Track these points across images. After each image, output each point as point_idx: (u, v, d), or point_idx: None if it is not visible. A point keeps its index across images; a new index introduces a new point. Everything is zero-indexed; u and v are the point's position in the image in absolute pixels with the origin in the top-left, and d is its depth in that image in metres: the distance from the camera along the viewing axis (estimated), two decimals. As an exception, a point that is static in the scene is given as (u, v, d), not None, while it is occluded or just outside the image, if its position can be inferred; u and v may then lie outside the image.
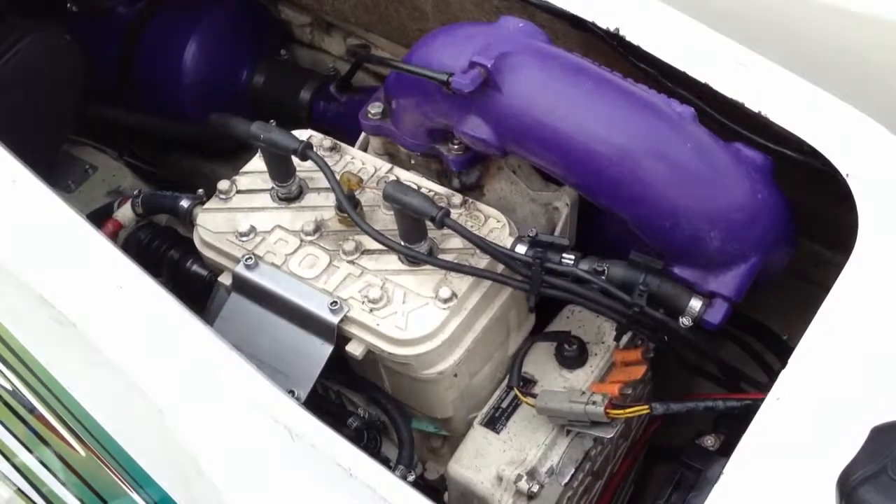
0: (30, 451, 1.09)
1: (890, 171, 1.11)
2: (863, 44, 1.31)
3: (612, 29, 1.23)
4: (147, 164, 1.85)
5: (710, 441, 1.27)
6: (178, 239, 1.51)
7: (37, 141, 1.25)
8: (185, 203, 1.34)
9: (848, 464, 0.83)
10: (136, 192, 1.41)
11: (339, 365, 1.21)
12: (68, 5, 1.79)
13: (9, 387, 1.06)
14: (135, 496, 0.98)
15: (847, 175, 1.08)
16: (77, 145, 1.80)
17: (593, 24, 1.24)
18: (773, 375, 1.32)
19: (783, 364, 0.99)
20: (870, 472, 0.80)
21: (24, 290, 1.01)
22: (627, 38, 1.22)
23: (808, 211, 1.19)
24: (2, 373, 1.05)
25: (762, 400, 0.97)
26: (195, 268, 1.44)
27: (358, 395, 1.27)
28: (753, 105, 1.14)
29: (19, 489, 1.15)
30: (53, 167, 1.68)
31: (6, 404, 1.08)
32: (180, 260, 1.46)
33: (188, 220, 1.33)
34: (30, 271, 1.02)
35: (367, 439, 1.21)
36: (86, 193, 1.73)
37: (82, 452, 1.01)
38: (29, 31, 1.58)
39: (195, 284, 1.41)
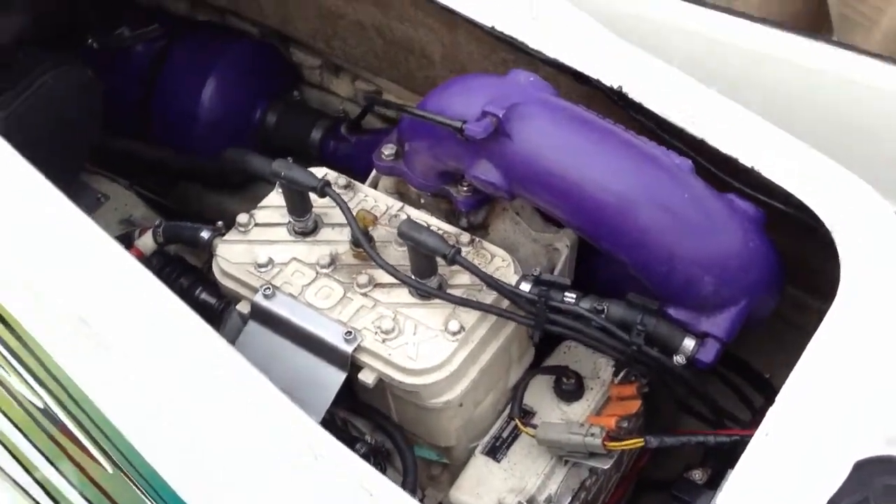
0: (53, 465, 1.13)
1: (871, 224, 1.19)
2: (848, 107, 1.40)
3: (615, 86, 1.31)
4: (157, 195, 1.91)
5: (698, 475, 1.33)
6: (188, 268, 1.57)
7: (56, 171, 1.31)
8: (205, 234, 1.40)
9: (832, 495, 0.89)
10: (157, 223, 1.47)
11: (346, 392, 1.26)
12: (89, 41, 1.86)
13: (41, 405, 1.11)
14: (160, 512, 1.03)
15: (832, 227, 1.16)
16: (90, 174, 1.86)
17: (598, 82, 1.32)
18: (755, 413, 1.40)
19: (766, 402, 1.06)
20: (853, 502, 0.87)
21: (60, 308, 1.06)
22: (629, 95, 1.29)
23: (793, 259, 1.26)
24: (35, 391, 1.10)
25: (751, 436, 1.04)
26: (204, 296, 1.50)
27: (364, 422, 1.32)
28: (746, 160, 1.22)
29: (36, 502, 1.20)
30: (68, 195, 1.73)
31: (35, 421, 1.13)
32: (189, 288, 1.51)
33: (208, 250, 1.39)
34: (65, 290, 1.08)
35: (373, 465, 1.26)
36: (98, 221, 1.76)
37: (109, 469, 1.06)
38: (53, 66, 1.64)
39: (203, 312, 1.46)
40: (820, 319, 1.11)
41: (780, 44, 1.48)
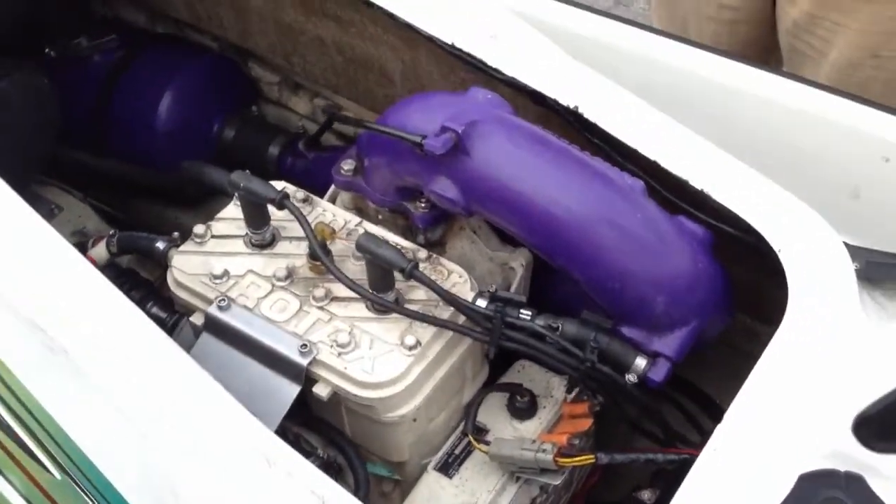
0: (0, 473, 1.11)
1: (818, 250, 1.22)
2: (797, 137, 1.45)
3: (571, 106, 1.33)
4: (111, 208, 1.90)
5: (646, 495, 1.35)
6: (139, 281, 1.56)
7: (7, 178, 1.29)
8: (160, 245, 1.39)
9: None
10: (111, 232, 1.45)
11: (299, 406, 1.26)
12: (46, 50, 1.85)
13: (-12, 410, 1.09)
14: (107, 519, 1.02)
15: (779, 250, 1.19)
16: (43, 185, 1.84)
17: (554, 101, 1.34)
18: (705, 435, 1.42)
19: (715, 424, 1.08)
20: (797, 513, 0.89)
21: (16, 315, 1.05)
22: (585, 116, 1.32)
23: (742, 285, 1.29)
24: (-18, 396, 1.09)
25: (698, 456, 1.06)
26: (155, 310, 1.48)
27: (316, 437, 1.32)
28: (697, 183, 1.25)
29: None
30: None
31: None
32: (141, 301, 1.49)
33: (163, 261, 1.38)
34: (17, 294, 1.07)
35: (325, 479, 1.26)
36: None
37: (57, 475, 1.05)
38: (8, 73, 1.63)
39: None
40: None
41: (733, 73, 1.52)
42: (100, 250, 1.46)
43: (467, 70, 1.46)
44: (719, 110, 1.48)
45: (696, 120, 1.36)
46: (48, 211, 1.79)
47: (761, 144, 1.42)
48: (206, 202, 1.84)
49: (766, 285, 1.25)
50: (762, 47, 2.04)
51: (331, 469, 1.29)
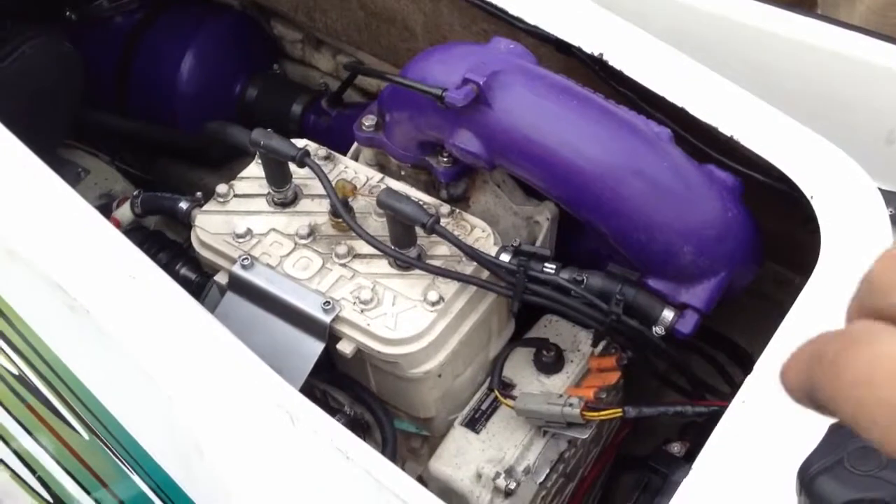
0: (29, 433, 1.13)
1: (851, 195, 1.19)
2: (831, 80, 1.40)
3: (595, 54, 1.30)
4: (137, 170, 1.90)
5: (676, 448, 1.34)
6: (167, 242, 1.57)
7: (35, 144, 1.29)
8: (183, 205, 1.39)
9: (807, 456, 0.90)
10: (135, 193, 1.45)
11: (326, 364, 1.26)
12: (67, 13, 1.84)
13: (15, 371, 1.10)
14: (135, 478, 1.02)
15: (811, 197, 1.16)
16: (70, 149, 1.84)
17: (578, 49, 1.31)
18: (736, 387, 1.40)
19: (746, 374, 1.06)
20: (827, 463, 0.87)
21: (39, 276, 1.05)
22: (610, 63, 1.29)
23: (773, 233, 1.26)
24: (10, 358, 1.10)
25: (727, 407, 1.04)
26: (184, 271, 1.49)
27: (343, 394, 1.32)
28: (726, 129, 1.22)
29: (14, 473, 1.19)
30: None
31: (11, 389, 1.12)
32: (169, 263, 1.51)
33: (186, 221, 1.38)
34: (45, 258, 1.07)
35: (352, 436, 1.26)
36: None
37: (85, 436, 1.06)
38: (30, 37, 1.63)
39: (183, 286, 1.45)
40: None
41: (764, 16, 1.48)
42: (124, 211, 1.46)
43: (489, 20, 1.44)
44: (750, 55, 1.44)
45: (725, 65, 1.32)
46: (75, 174, 1.80)
47: (793, 89, 1.38)
48: (230, 162, 1.84)
49: (798, 232, 1.22)
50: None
51: (358, 426, 1.29)
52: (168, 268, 1.50)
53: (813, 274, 1.11)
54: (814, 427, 0.95)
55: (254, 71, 1.85)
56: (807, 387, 0.36)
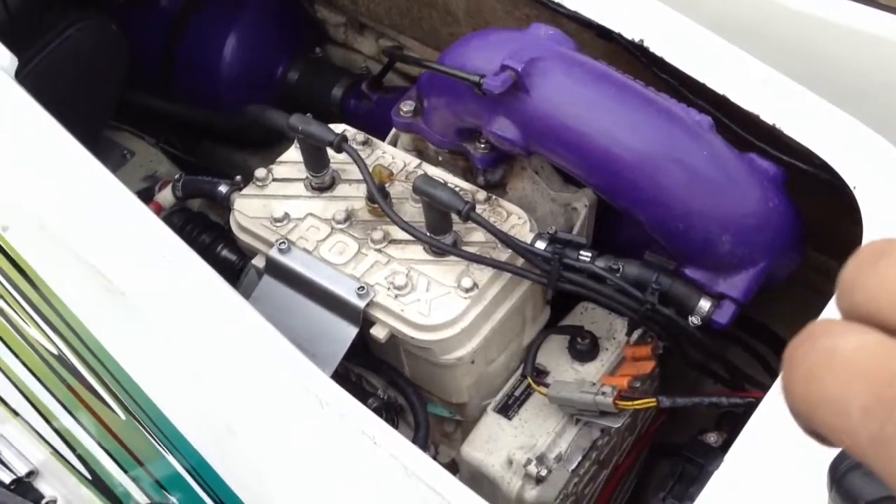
0: (69, 412, 1.15)
1: (894, 185, 1.17)
2: (876, 66, 1.37)
3: (636, 40, 1.28)
4: (182, 152, 1.92)
5: (712, 438, 1.32)
6: (210, 224, 1.59)
7: (81, 125, 1.32)
8: (223, 189, 1.40)
9: (839, 452, 0.88)
10: (176, 177, 1.47)
11: (361, 348, 1.27)
12: (115, -4, 1.87)
13: (55, 351, 1.12)
14: (170, 458, 1.04)
15: (854, 187, 1.14)
16: (116, 130, 1.87)
17: (619, 35, 1.30)
18: (776, 377, 1.39)
19: (784, 364, 1.04)
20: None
21: (76, 259, 1.07)
22: (651, 50, 1.27)
23: (815, 222, 1.24)
24: (49, 338, 1.12)
25: (763, 398, 1.03)
26: (224, 252, 1.51)
27: (377, 378, 1.33)
28: (768, 118, 1.20)
29: (55, 450, 1.22)
30: (93, 151, 1.75)
31: (51, 368, 1.14)
32: (211, 244, 1.53)
33: (225, 204, 1.39)
34: (82, 241, 1.09)
35: (385, 419, 1.27)
36: (123, 177, 1.77)
37: (122, 415, 1.08)
38: (77, 20, 1.65)
39: (224, 268, 1.47)
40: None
41: (814, 2, 1.44)
42: (166, 194, 1.48)
43: (531, 5, 1.42)
44: (794, 41, 1.41)
45: (769, 51, 1.30)
46: (120, 156, 1.83)
47: (837, 76, 1.35)
48: (272, 145, 1.85)
49: (840, 221, 1.19)
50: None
51: (391, 409, 1.30)
52: (210, 249, 1.52)
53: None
54: (848, 423, 0.93)
55: (296, 54, 1.86)
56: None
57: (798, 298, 1.36)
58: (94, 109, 1.74)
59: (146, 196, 1.51)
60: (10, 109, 1.21)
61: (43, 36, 1.62)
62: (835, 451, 0.90)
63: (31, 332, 1.15)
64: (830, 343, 0.33)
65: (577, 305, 1.37)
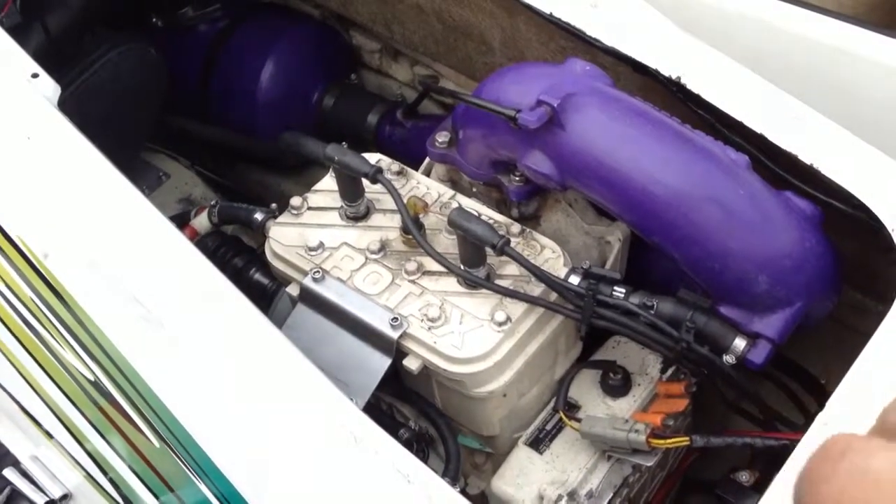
0: (103, 437, 1.16)
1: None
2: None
3: (673, 77, 1.28)
4: (216, 175, 1.94)
5: (745, 477, 1.31)
6: (243, 248, 1.60)
7: (119, 147, 1.34)
8: (258, 216, 1.41)
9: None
10: (212, 203, 1.49)
11: (392, 378, 1.27)
12: (154, 20, 1.89)
13: (91, 377, 1.13)
14: (202, 486, 1.05)
15: (893, 230, 1.13)
16: (152, 152, 1.90)
17: (656, 72, 1.30)
18: (809, 417, 1.37)
19: (820, 406, 1.03)
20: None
21: (113, 285, 1.09)
22: (688, 87, 1.27)
23: (852, 261, 1.23)
24: (86, 363, 1.13)
25: (798, 441, 1.02)
26: (257, 276, 1.52)
27: (409, 408, 1.33)
28: (806, 157, 1.19)
29: (88, 474, 1.23)
30: (130, 172, 1.77)
31: (86, 393, 1.15)
32: (244, 268, 1.54)
33: (260, 232, 1.40)
34: (119, 268, 1.10)
35: (416, 451, 1.27)
36: (158, 199, 1.82)
37: (156, 443, 1.09)
38: (118, 44, 1.68)
39: (256, 292, 1.48)
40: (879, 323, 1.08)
41: (851, 38, 1.43)
42: (202, 220, 1.50)
43: (567, 38, 1.43)
44: (835, 79, 1.40)
45: (810, 89, 1.29)
46: (156, 178, 1.85)
47: (878, 116, 1.34)
48: (307, 170, 1.87)
49: (879, 261, 1.18)
50: (890, 9, 1.92)
51: (422, 440, 1.30)
52: (242, 272, 1.53)
53: (892, 308, 1.08)
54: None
55: (332, 80, 1.88)
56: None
57: (832, 334, 1.35)
58: (132, 132, 1.76)
59: (181, 220, 1.52)
60: (53, 138, 1.22)
61: (84, 59, 1.65)
62: None
63: (68, 356, 1.16)
64: (861, 463, 0.31)
65: (609, 339, 1.36)
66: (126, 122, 1.72)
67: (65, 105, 1.29)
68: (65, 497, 1.20)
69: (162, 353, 1.06)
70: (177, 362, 1.06)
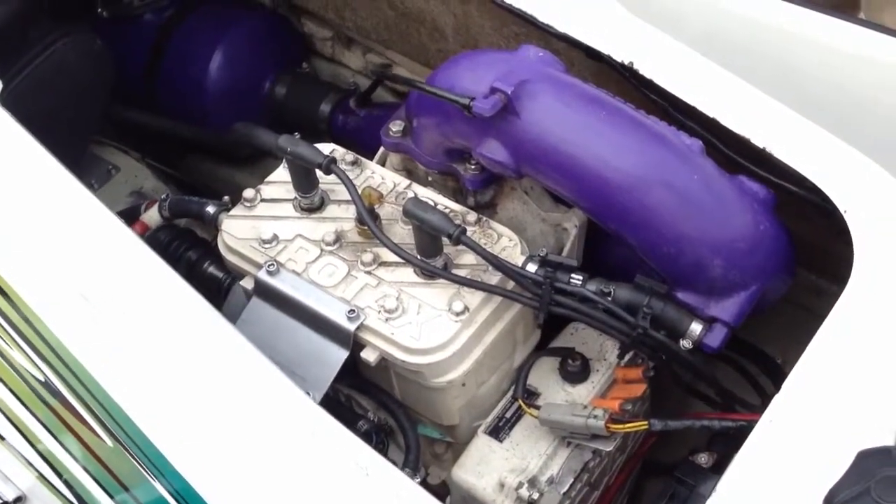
0: (55, 437, 1.14)
1: (885, 207, 1.17)
2: (863, 85, 1.37)
3: (626, 62, 1.28)
4: (167, 166, 1.91)
5: (703, 458, 1.32)
6: (196, 241, 1.57)
7: (65, 140, 1.30)
8: (211, 209, 1.39)
9: (834, 484, 0.88)
10: (163, 196, 1.46)
11: (351, 370, 1.26)
12: (99, 10, 1.85)
13: (41, 377, 1.11)
14: (157, 485, 1.03)
15: (845, 211, 1.14)
16: (101, 145, 1.86)
17: (608, 57, 1.29)
18: (766, 398, 1.39)
19: (777, 387, 1.04)
20: (854, 493, 0.85)
21: (61, 284, 1.06)
22: (641, 72, 1.27)
23: (806, 243, 1.24)
24: (36, 364, 1.11)
25: (756, 422, 1.02)
26: (211, 269, 1.50)
27: (367, 400, 1.32)
28: (759, 141, 1.20)
29: (41, 475, 1.20)
30: (78, 166, 1.73)
31: (37, 394, 1.13)
32: (197, 261, 1.51)
33: (213, 225, 1.38)
34: (67, 266, 1.08)
35: (376, 442, 1.26)
36: (108, 193, 1.78)
37: (108, 442, 1.07)
38: (63, 35, 1.64)
39: (210, 286, 1.46)
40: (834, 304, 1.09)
41: (801, 20, 1.44)
42: (152, 214, 1.47)
43: (520, 24, 1.42)
44: (785, 62, 1.41)
45: (761, 72, 1.30)
46: (105, 171, 1.82)
47: (828, 98, 1.35)
48: (260, 161, 1.84)
49: (832, 243, 1.19)
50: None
51: (381, 431, 1.29)
52: (196, 266, 1.50)
53: (844, 292, 1.09)
54: (842, 453, 0.93)
55: (283, 69, 1.85)
56: None
57: (788, 316, 1.36)
58: (79, 124, 1.72)
59: (132, 215, 1.49)
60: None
61: (28, 51, 1.60)
62: (829, 484, 0.90)
63: (17, 357, 1.14)
64: None
65: (567, 326, 1.36)
66: (72, 114, 1.68)
67: (7, 100, 1.25)
68: (19, 499, 1.18)
69: (112, 352, 1.04)
70: (128, 360, 1.04)
